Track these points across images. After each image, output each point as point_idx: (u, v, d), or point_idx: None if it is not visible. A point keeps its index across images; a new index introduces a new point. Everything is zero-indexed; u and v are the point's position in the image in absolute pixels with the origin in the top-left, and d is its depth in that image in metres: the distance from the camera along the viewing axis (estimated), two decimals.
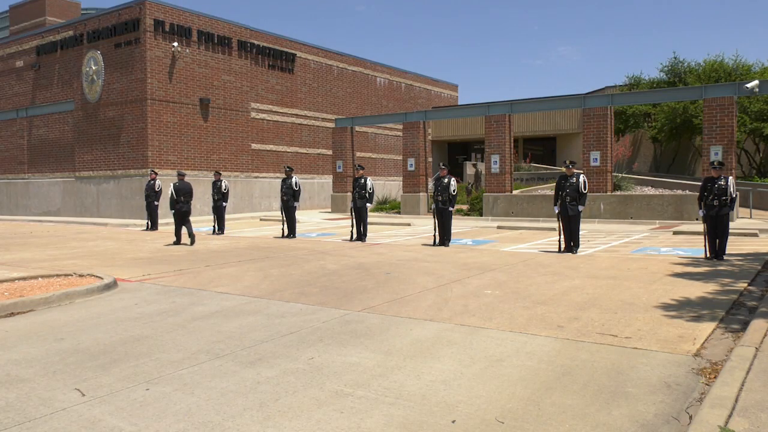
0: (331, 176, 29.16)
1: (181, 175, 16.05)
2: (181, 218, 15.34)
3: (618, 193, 20.67)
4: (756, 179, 27.13)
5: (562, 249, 12.44)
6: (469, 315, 6.70)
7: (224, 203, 18.41)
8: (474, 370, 4.81)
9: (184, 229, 15.34)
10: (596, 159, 20.57)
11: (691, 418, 3.76)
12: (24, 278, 9.05)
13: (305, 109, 31.33)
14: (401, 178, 29.01)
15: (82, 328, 6.36)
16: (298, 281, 9.13)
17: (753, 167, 30.39)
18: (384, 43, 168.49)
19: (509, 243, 14.43)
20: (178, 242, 15.35)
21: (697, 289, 8.00)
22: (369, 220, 16.46)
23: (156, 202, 19.85)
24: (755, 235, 15.05)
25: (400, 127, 28.84)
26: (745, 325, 6.01)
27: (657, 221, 19.00)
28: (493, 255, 12.13)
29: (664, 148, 34.01)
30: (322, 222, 22.64)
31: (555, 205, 12.62)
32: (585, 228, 16.99)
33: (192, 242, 14.91)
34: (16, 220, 26.91)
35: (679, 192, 20.59)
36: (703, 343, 5.49)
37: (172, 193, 15.37)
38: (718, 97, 18.87)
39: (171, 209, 15.51)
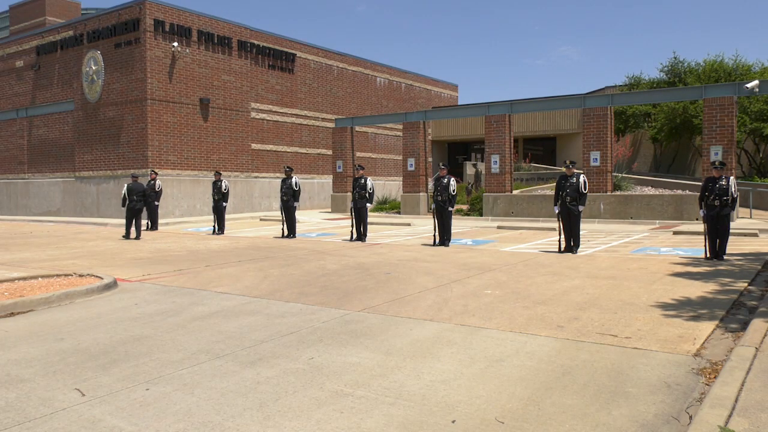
0: (331, 176, 29.16)
1: (134, 177, 17.65)
2: (134, 215, 16.73)
3: (618, 193, 20.67)
4: (756, 179, 27.14)
5: (562, 249, 12.44)
6: (469, 315, 6.70)
7: (224, 203, 18.41)
8: (474, 370, 4.81)
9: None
10: (596, 159, 20.57)
11: (691, 418, 3.76)
12: (24, 278, 9.05)
13: (305, 109, 31.33)
14: (401, 178, 29.01)
15: (82, 328, 6.36)
16: (298, 281, 9.13)
17: (753, 167, 30.39)
18: (384, 43, 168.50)
19: (509, 243, 14.43)
20: (127, 237, 16.74)
21: (697, 289, 8.00)
22: (369, 220, 16.45)
23: (156, 203, 19.88)
24: (755, 235, 15.04)
25: (400, 127, 28.84)
26: (745, 325, 6.01)
27: (657, 221, 19.00)
28: (493, 255, 12.13)
29: (664, 148, 34.01)
30: (322, 222, 22.63)
31: (555, 205, 12.61)
32: (585, 228, 16.99)
33: (138, 237, 16.57)
34: (16, 220, 26.91)
35: (679, 192, 20.59)
36: (703, 343, 5.49)
37: (124, 193, 16.91)
38: (718, 97, 18.86)
39: (122, 206, 16.99)
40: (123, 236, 16.83)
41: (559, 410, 3.97)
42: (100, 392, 4.40)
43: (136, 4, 24.26)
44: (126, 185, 17.09)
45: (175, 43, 24.66)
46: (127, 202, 16.72)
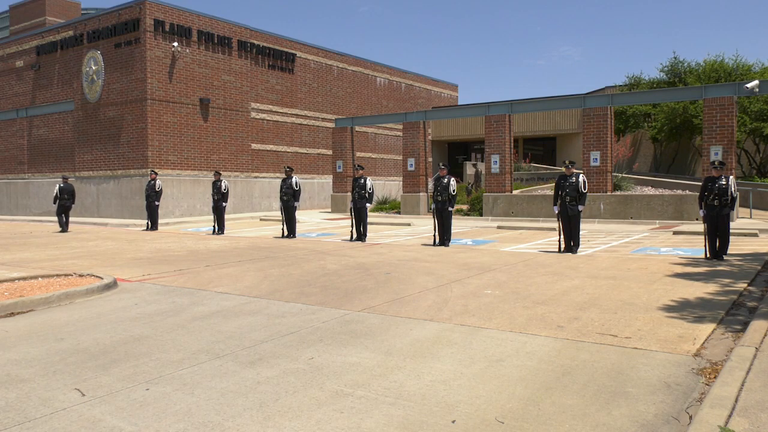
0: (331, 176, 29.16)
1: (65, 179, 20.75)
2: (64, 211, 19.83)
3: (618, 193, 20.67)
4: (756, 179, 27.13)
5: (562, 249, 12.44)
6: (469, 315, 6.70)
7: (224, 203, 18.40)
8: (474, 370, 4.81)
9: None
10: (596, 159, 20.57)
11: (691, 418, 3.76)
12: (24, 278, 9.04)
13: (305, 109, 31.33)
14: (401, 178, 29.01)
15: (82, 328, 6.36)
16: (298, 281, 9.13)
17: (753, 167, 30.39)
18: (384, 43, 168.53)
19: (509, 243, 14.42)
20: (64, 231, 19.49)
21: (697, 290, 8.00)
22: (369, 220, 16.45)
23: (156, 203, 19.88)
24: (755, 235, 15.04)
25: (400, 127, 28.84)
26: (745, 325, 6.01)
27: (657, 221, 19.01)
28: (493, 255, 12.13)
29: (664, 148, 34.01)
30: (322, 222, 22.63)
31: (555, 205, 12.61)
32: (585, 228, 16.99)
33: (65, 230, 19.53)
34: (16, 220, 26.91)
35: (679, 192, 20.59)
36: (703, 343, 5.48)
37: (56, 192, 20.05)
38: (718, 97, 18.86)
39: (53, 203, 20.28)
40: (60, 231, 19.58)
41: (559, 410, 3.97)
42: (100, 392, 4.40)
43: (136, 4, 24.26)
44: (57, 185, 20.17)
45: (175, 43, 24.66)
46: (58, 200, 19.88)
